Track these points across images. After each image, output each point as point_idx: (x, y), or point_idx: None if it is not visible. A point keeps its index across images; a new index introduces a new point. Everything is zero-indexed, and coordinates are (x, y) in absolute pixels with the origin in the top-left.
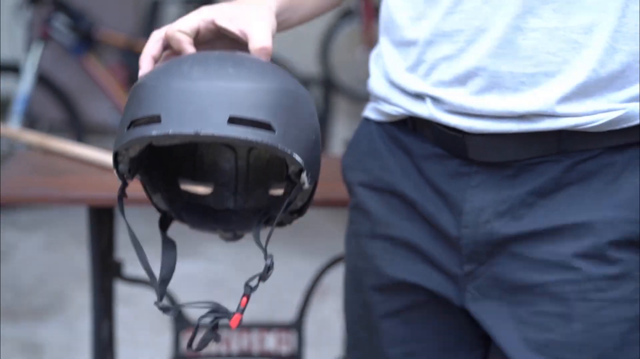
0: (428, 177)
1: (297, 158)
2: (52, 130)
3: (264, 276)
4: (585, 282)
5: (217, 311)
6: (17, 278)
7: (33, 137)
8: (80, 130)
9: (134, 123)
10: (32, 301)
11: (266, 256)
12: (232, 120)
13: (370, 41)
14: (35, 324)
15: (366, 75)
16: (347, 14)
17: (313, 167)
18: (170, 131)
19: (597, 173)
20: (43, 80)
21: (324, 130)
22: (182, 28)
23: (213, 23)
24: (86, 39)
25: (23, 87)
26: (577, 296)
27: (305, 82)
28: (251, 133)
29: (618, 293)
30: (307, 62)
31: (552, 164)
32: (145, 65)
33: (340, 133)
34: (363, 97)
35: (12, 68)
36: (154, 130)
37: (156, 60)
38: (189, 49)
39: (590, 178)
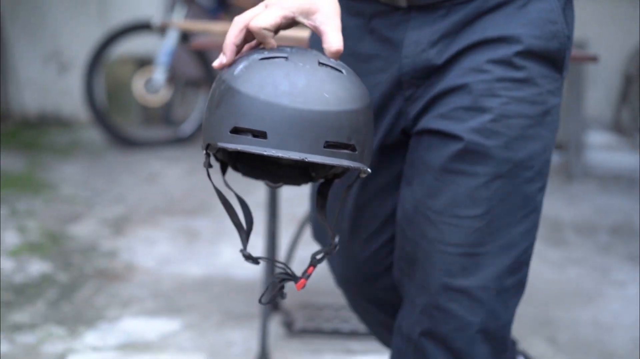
0: (377, 30)
1: (369, 170)
2: (188, 83)
3: (330, 252)
4: (495, 82)
5: (287, 274)
6: (167, 191)
7: (218, 27)
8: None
9: (237, 129)
10: (183, 205)
11: (333, 235)
12: (327, 144)
13: None
14: (188, 219)
15: None
16: None
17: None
18: (280, 154)
19: (508, 3)
20: (184, 38)
21: None
22: (266, 26)
23: (293, 19)
24: (222, 2)
25: (168, 42)
26: (488, 93)
27: None
28: (342, 156)
29: (522, 93)
30: None
31: (473, 1)
32: (229, 53)
33: None
34: None
35: (159, 27)
36: (265, 150)
37: (239, 48)
38: (272, 42)
39: (504, 7)
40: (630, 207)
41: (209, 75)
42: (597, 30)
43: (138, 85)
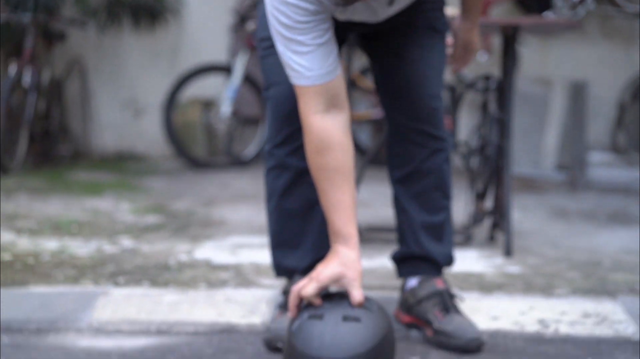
0: None
1: None
2: (247, 120)
3: None
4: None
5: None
6: (239, 191)
7: None
8: None
9: None
10: (254, 197)
11: None
12: None
13: (488, 47)
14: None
15: (484, 70)
16: None
17: None
18: None
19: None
20: (247, 80)
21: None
22: (309, 296)
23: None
24: None
25: (234, 81)
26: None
27: None
28: None
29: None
30: None
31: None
32: (293, 312)
33: (464, 120)
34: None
35: (226, 69)
36: None
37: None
38: (316, 301)
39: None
40: (626, 204)
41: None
42: (596, 71)
43: (207, 116)
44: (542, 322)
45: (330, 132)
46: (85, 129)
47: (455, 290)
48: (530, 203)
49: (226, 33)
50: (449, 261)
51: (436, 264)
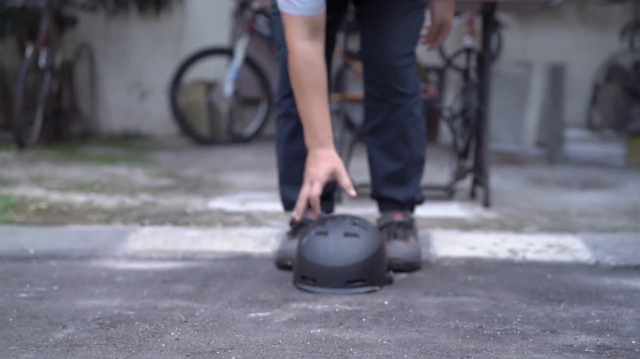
0: None
1: (377, 289)
2: (247, 101)
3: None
4: None
5: None
6: (242, 162)
7: None
8: (270, 101)
9: (303, 276)
10: (257, 167)
11: None
12: (348, 281)
13: (473, 32)
14: (265, 171)
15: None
16: (456, 13)
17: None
18: (321, 291)
19: None
20: (248, 61)
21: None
22: (316, 196)
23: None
24: None
25: (235, 63)
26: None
27: (427, 69)
28: (357, 286)
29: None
30: (429, 54)
31: None
32: (299, 216)
33: (450, 99)
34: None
35: (227, 52)
36: (315, 290)
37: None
38: (318, 209)
39: None
40: (597, 174)
41: (267, 91)
42: (573, 54)
43: (210, 96)
44: (512, 251)
45: (313, 55)
46: (93, 110)
47: (408, 220)
48: (510, 173)
49: (228, 18)
50: (412, 200)
51: (397, 203)
